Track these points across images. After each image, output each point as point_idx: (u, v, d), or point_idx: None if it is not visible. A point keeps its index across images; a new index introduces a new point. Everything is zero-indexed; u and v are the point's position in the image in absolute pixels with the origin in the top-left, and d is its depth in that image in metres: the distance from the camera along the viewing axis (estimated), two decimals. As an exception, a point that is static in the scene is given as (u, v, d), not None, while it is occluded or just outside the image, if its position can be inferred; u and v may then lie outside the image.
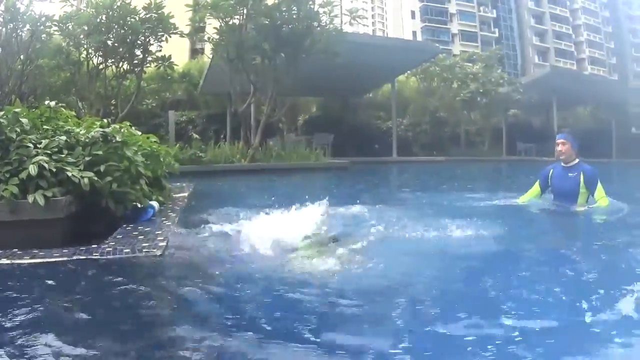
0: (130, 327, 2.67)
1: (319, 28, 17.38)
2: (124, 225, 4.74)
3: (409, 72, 33.69)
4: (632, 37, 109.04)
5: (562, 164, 6.80)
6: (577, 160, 6.74)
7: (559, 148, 6.73)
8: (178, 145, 16.07)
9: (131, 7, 16.53)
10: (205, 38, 19.55)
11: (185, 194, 7.74)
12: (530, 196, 7.22)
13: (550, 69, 40.83)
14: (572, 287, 3.46)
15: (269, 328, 2.59)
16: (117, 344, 2.39)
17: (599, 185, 6.51)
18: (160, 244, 4.01)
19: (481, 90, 32.70)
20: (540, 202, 7.14)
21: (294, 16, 16.89)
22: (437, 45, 39.46)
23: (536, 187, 7.18)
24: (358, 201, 6.96)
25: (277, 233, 4.33)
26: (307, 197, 5.23)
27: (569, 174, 6.69)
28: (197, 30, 20.28)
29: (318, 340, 2.43)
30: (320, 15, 17.47)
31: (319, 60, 17.68)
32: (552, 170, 6.97)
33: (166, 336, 2.49)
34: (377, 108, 34.27)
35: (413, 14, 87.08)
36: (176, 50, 20.70)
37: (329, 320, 2.77)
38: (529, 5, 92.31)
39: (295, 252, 4.10)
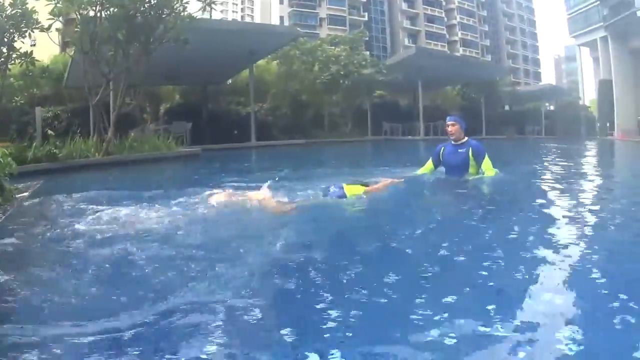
0: None
1: (173, 14, 17.52)
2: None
3: (269, 56, 34.70)
4: (507, 20, 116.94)
5: (452, 141, 8.06)
6: (466, 138, 8.01)
7: (449, 129, 7.99)
8: (34, 144, 15.82)
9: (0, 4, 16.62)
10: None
11: (27, 193, 7.95)
12: (424, 171, 8.49)
13: (416, 50, 42.99)
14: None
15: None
16: None
17: (487, 158, 7.81)
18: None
19: (342, 73, 34.22)
20: (430, 175, 8.39)
21: (147, 4, 17.06)
22: (297, 28, 40.49)
23: (429, 163, 8.43)
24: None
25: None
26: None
27: (459, 150, 7.93)
28: (67, 23, 20.39)
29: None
30: (173, 3, 17.56)
31: (175, 48, 18.05)
32: (443, 148, 8.18)
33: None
34: (238, 94, 35.16)
35: None
36: (50, 45, 20.78)
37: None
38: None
39: None
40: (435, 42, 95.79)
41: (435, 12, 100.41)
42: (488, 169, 7.78)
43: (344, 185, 6.31)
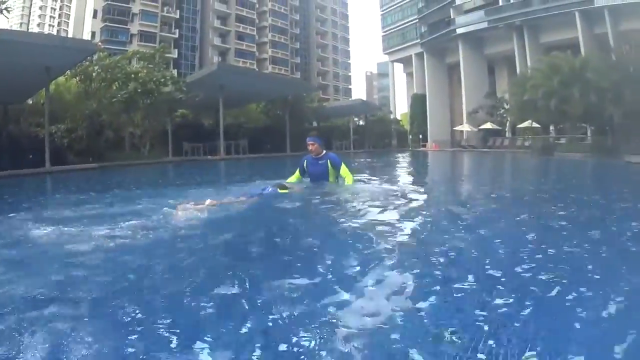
0: None
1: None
2: None
3: (69, 73, 33.74)
4: (320, 38, 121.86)
5: (313, 156, 10.02)
6: (324, 152, 10.07)
7: (310, 147, 9.94)
8: None
9: None
10: None
11: None
12: (294, 179, 10.37)
13: (218, 66, 43.28)
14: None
15: None
16: None
17: (343, 166, 9.92)
18: None
19: (139, 90, 33.86)
20: (296, 182, 10.30)
21: None
22: (95, 42, 39.63)
23: (297, 173, 10.34)
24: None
25: None
26: None
27: (319, 162, 9.95)
28: None
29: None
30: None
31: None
32: (305, 160, 10.15)
33: None
34: (40, 114, 32.26)
35: (95, 13, 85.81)
36: None
37: None
38: (215, 7, 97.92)
39: None
40: (244, 60, 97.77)
41: (247, 29, 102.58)
42: (346, 174, 9.91)
43: (278, 188, 8.98)
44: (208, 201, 7.62)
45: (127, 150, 35.49)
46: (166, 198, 8.72)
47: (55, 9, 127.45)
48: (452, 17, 70.52)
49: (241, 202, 8.28)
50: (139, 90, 33.94)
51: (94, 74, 35.11)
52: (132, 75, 34.90)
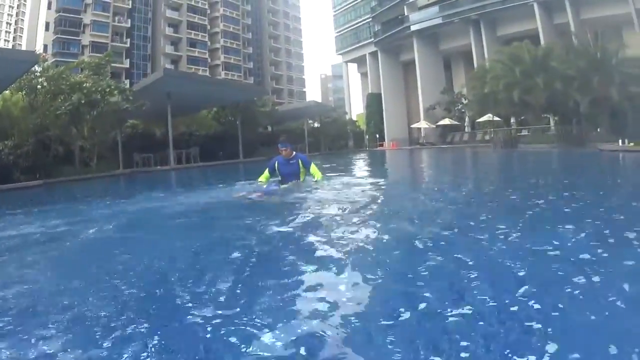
0: None
1: None
2: None
3: (14, 86, 32.14)
4: (272, 42, 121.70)
5: (284, 157, 11.24)
6: (294, 154, 11.36)
7: (283, 153, 11.18)
8: None
9: None
10: None
11: None
12: (263, 179, 11.69)
13: (164, 72, 41.74)
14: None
15: None
16: None
17: (313, 165, 11.38)
18: None
19: (83, 101, 32.32)
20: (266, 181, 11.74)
21: None
22: (38, 52, 38.46)
23: (266, 173, 11.62)
24: None
25: None
26: None
27: (291, 162, 11.26)
28: None
29: None
30: None
31: None
32: (276, 161, 11.39)
33: None
34: None
35: (48, 25, 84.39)
36: None
37: None
38: (167, 14, 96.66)
39: None
40: (197, 67, 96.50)
41: (199, 36, 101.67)
42: (315, 172, 11.36)
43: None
44: (243, 193, 11.08)
45: (77, 164, 34.04)
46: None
47: (10, 24, 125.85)
48: (406, 14, 71.00)
49: (261, 197, 10.60)
50: (83, 102, 32.50)
51: (38, 87, 33.63)
52: (77, 86, 33.36)
